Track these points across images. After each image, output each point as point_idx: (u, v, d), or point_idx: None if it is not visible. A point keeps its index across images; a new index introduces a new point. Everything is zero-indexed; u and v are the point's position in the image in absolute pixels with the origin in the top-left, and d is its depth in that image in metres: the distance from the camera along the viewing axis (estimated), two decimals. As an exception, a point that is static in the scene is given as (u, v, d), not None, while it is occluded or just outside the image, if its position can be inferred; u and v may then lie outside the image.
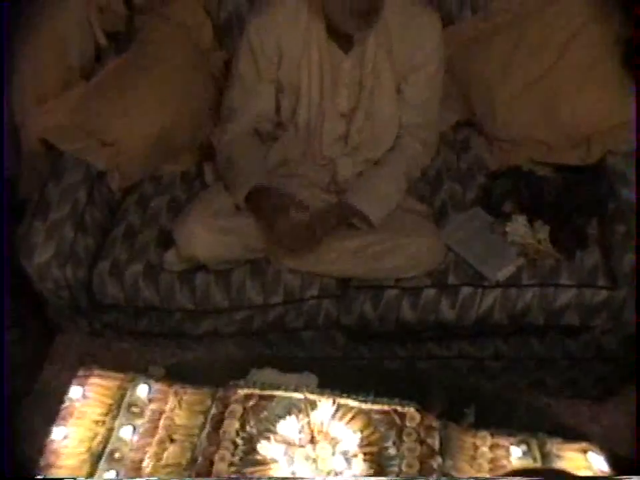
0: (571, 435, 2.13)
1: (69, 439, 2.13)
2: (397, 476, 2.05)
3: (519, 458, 2.08)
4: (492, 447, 2.10)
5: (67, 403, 2.20)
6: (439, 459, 2.08)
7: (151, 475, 2.05)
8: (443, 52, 3.08)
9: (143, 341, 2.96)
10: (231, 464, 2.06)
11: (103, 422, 2.17)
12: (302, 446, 2.08)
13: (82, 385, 2.24)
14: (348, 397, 2.17)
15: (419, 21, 2.97)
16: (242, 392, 2.20)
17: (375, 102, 3.01)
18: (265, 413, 2.15)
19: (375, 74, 2.97)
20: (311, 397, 2.17)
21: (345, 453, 2.07)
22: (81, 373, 2.28)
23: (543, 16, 3.28)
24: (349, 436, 2.09)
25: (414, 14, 2.98)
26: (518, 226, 2.90)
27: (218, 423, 2.14)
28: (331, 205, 2.97)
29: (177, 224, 2.94)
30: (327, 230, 2.84)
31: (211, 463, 2.05)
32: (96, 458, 2.09)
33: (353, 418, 2.13)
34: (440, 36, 3.02)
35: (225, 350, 3.03)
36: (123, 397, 2.22)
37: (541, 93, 3.18)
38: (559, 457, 2.08)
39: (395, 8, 2.92)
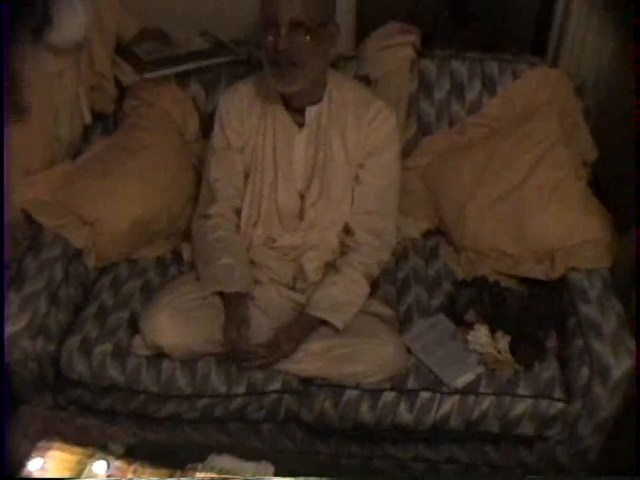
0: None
1: (24, 512, 2.12)
2: None
3: None
4: None
5: (24, 474, 2.16)
6: None
7: None
8: (399, 141, 3.13)
9: (105, 418, 2.93)
10: None
11: None
12: (256, 534, 2.08)
13: (42, 456, 2.20)
14: None
15: (374, 108, 3.02)
16: (200, 475, 2.16)
17: (328, 179, 3.03)
18: None
19: (328, 152, 3.02)
20: None
21: None
22: (41, 444, 2.24)
23: (513, 135, 3.36)
24: (302, 527, 2.09)
25: (369, 101, 3.04)
26: (479, 335, 2.91)
27: None
28: (295, 318, 2.96)
29: (143, 312, 2.96)
30: (292, 343, 2.87)
31: None
32: None
33: None
34: (395, 125, 3.06)
35: (185, 434, 3.00)
36: (81, 471, 2.17)
37: (508, 209, 3.23)
38: None
39: (349, 93, 3.03)
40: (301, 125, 3.00)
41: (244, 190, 3.13)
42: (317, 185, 3.04)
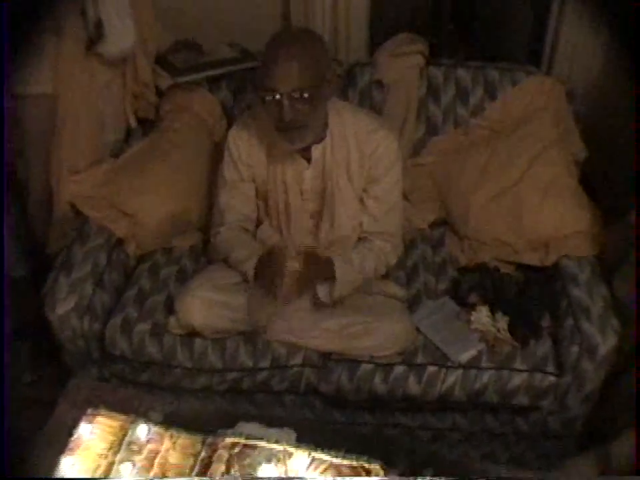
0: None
1: (75, 468, 2.13)
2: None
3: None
4: (445, 504, 2.11)
5: (75, 437, 2.20)
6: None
7: (145, 505, 2.07)
8: (400, 167, 3.04)
9: (144, 389, 2.97)
10: (215, 501, 2.07)
11: (106, 456, 2.16)
12: (279, 491, 2.08)
13: (90, 422, 2.24)
14: (322, 451, 2.15)
15: (376, 137, 2.94)
16: (229, 440, 2.17)
17: (336, 208, 3.00)
18: (248, 460, 2.12)
19: (334, 184, 2.97)
20: (289, 449, 2.15)
21: (316, 500, 2.07)
22: (89, 411, 2.28)
23: (512, 136, 3.38)
24: (321, 485, 2.09)
25: (370, 130, 2.95)
26: (481, 316, 2.94)
27: (206, 465, 2.13)
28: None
29: (178, 295, 2.98)
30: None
31: (198, 499, 2.07)
32: None
33: (325, 470, 2.11)
34: (396, 151, 2.99)
35: (216, 404, 3.01)
36: (124, 435, 2.21)
37: (508, 202, 3.24)
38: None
39: (350, 126, 2.94)
40: (308, 159, 2.95)
41: (258, 212, 3.14)
42: (327, 214, 3.03)
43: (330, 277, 2.93)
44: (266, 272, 2.89)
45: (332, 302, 2.96)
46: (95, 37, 3.17)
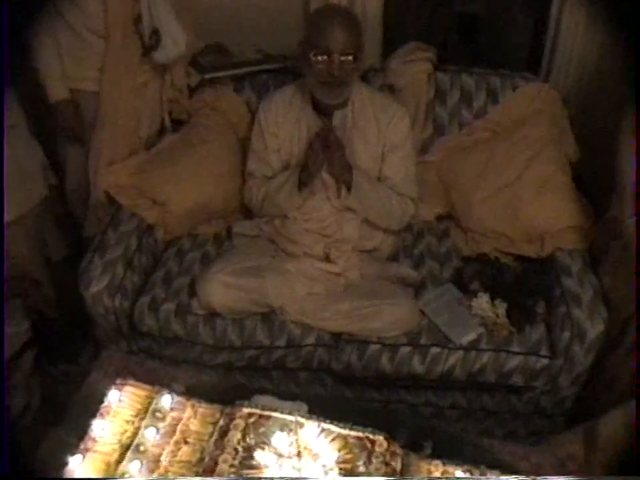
0: (507, 469, 2.14)
1: (104, 431, 2.13)
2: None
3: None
4: (443, 473, 2.10)
5: (105, 403, 2.21)
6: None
7: (166, 467, 2.05)
8: (412, 136, 3.20)
9: (169, 363, 2.95)
10: (231, 466, 2.03)
11: (133, 422, 2.17)
12: (290, 457, 2.05)
13: (119, 390, 2.24)
14: (331, 423, 2.14)
15: (391, 110, 3.10)
16: (246, 410, 2.17)
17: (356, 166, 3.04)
18: (263, 428, 2.13)
19: (352, 149, 3.04)
20: (301, 420, 2.15)
21: (324, 467, 2.05)
22: (118, 381, 2.27)
23: (512, 138, 3.37)
24: (329, 453, 2.07)
25: (386, 104, 3.13)
26: (481, 302, 2.93)
27: (224, 432, 2.12)
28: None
29: (199, 278, 3.00)
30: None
31: (215, 464, 2.03)
32: (124, 448, 2.09)
33: (333, 440, 2.11)
34: (408, 123, 3.15)
35: (235, 379, 3.02)
36: (150, 404, 2.22)
37: (507, 198, 3.23)
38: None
39: (368, 98, 3.09)
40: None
41: None
42: None
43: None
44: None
45: (351, 194, 3.02)
46: (152, 45, 3.20)
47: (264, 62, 3.66)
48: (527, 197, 3.20)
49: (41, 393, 3.23)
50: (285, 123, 3.11)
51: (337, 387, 3.07)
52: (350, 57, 2.84)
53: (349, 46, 2.83)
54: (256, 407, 2.21)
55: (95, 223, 3.35)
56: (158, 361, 2.99)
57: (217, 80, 3.59)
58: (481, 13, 4.83)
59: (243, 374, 3.05)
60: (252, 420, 2.16)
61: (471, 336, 2.88)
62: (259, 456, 2.07)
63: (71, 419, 2.28)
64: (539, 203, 3.17)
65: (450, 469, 2.10)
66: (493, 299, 2.94)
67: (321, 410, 2.25)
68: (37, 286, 3.26)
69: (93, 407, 2.22)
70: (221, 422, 2.18)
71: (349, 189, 3.00)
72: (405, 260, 3.24)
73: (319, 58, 2.84)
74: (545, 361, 2.84)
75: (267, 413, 2.19)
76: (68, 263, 3.58)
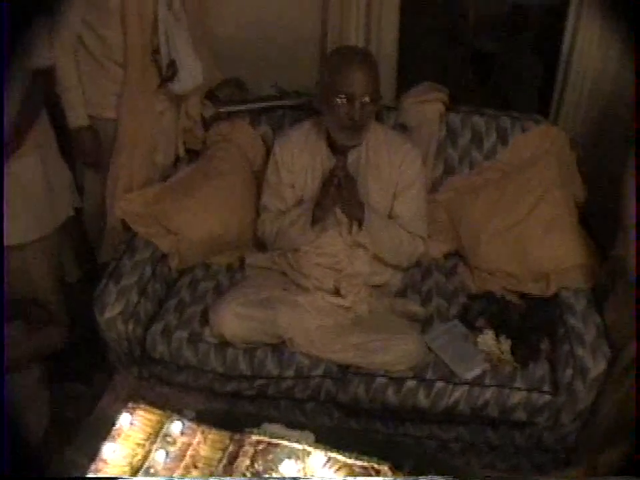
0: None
1: (115, 453, 2.16)
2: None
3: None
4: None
5: (117, 426, 2.23)
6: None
7: (176, 491, 2.09)
8: (424, 176, 3.25)
9: (179, 389, 2.99)
10: (240, 491, 2.09)
11: (143, 445, 2.19)
12: (296, 485, 2.10)
13: (130, 414, 2.28)
14: (337, 452, 2.17)
15: (403, 151, 3.14)
16: (255, 438, 2.20)
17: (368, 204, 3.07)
18: (271, 455, 2.15)
19: (365, 187, 3.08)
20: (308, 448, 2.17)
21: (330, 495, 2.09)
22: (130, 405, 2.31)
23: (521, 178, 3.39)
24: (335, 482, 2.11)
25: (399, 145, 3.16)
26: (487, 338, 2.96)
27: (233, 458, 2.15)
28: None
29: (212, 308, 3.02)
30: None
31: (224, 489, 2.08)
32: (135, 471, 2.11)
33: (339, 469, 2.13)
34: (420, 164, 3.19)
35: (244, 408, 3.04)
36: (161, 428, 2.24)
37: (514, 237, 3.26)
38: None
39: (384, 138, 3.13)
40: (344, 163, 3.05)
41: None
42: None
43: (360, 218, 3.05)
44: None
45: (362, 230, 3.06)
46: (169, 75, 3.26)
47: (280, 98, 3.70)
48: (534, 236, 3.22)
49: (50, 410, 3.25)
50: (299, 159, 3.15)
51: (343, 418, 3.07)
52: (369, 100, 2.90)
53: (370, 90, 2.90)
54: (265, 434, 2.23)
55: (110, 249, 3.38)
56: (168, 387, 3.01)
57: (233, 113, 3.64)
58: (493, 53, 4.92)
59: (251, 402, 3.06)
60: (261, 447, 2.18)
61: (476, 371, 2.89)
62: (267, 483, 2.08)
63: (82, 440, 2.30)
64: (546, 243, 3.19)
65: (453, 500, 2.12)
66: (498, 335, 2.97)
67: (327, 440, 2.26)
68: (46, 307, 3.31)
69: (104, 429, 2.25)
70: (230, 448, 2.20)
71: (360, 225, 3.04)
72: (413, 296, 3.25)
73: (339, 101, 2.90)
74: (548, 397, 2.84)
75: (275, 440, 2.21)
76: (80, 286, 3.63)
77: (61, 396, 3.34)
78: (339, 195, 2.96)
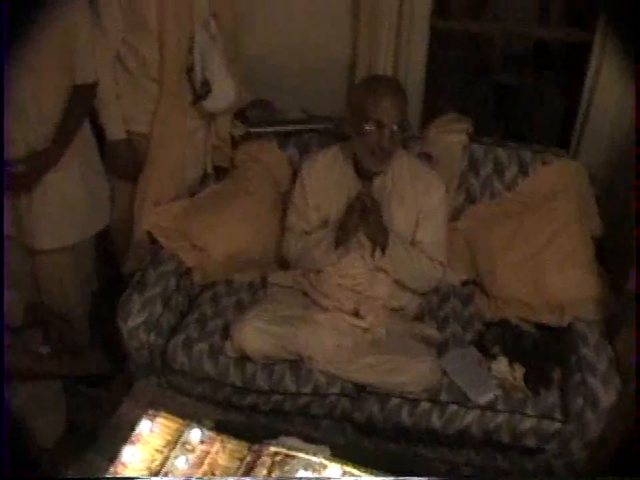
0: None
1: (134, 458, 2.20)
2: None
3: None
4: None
5: (137, 432, 2.27)
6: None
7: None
8: (447, 205, 3.30)
9: (198, 400, 3.02)
10: (256, 500, 2.12)
11: (162, 451, 2.22)
12: (313, 496, 2.12)
13: (150, 420, 2.31)
14: (352, 466, 2.19)
15: (427, 179, 3.20)
16: (272, 449, 2.22)
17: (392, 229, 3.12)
18: (288, 467, 2.17)
19: (389, 213, 3.12)
20: (324, 462, 2.20)
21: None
22: (150, 412, 2.35)
23: (540, 211, 3.43)
24: (349, 496, 2.12)
25: (423, 173, 3.23)
26: (500, 365, 2.99)
27: (250, 468, 2.18)
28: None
29: (234, 323, 3.05)
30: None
31: (241, 498, 2.11)
32: (153, 475, 2.15)
33: None
34: (444, 192, 3.24)
35: (260, 421, 3.06)
36: (180, 436, 2.27)
37: (531, 268, 3.28)
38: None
39: (407, 166, 3.18)
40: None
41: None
42: None
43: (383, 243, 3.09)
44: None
45: (384, 255, 3.10)
46: (202, 94, 3.32)
47: (308, 121, 3.77)
48: (550, 268, 3.25)
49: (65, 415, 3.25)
50: (326, 183, 3.20)
51: (357, 436, 3.09)
52: (398, 128, 2.96)
53: (399, 118, 2.96)
54: (282, 446, 2.26)
55: (135, 260, 3.42)
56: (187, 397, 3.00)
57: (262, 134, 3.71)
58: (517, 86, 4.96)
59: (267, 417, 3.08)
60: (278, 458, 2.21)
61: (489, 396, 2.92)
62: (283, 493, 2.12)
63: (101, 443, 2.34)
64: (562, 275, 3.22)
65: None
66: (511, 362, 3.00)
67: (342, 454, 2.28)
68: (68, 320, 3.33)
69: (124, 433, 2.29)
70: (248, 458, 2.23)
71: (383, 250, 3.09)
72: (430, 321, 3.29)
73: (369, 128, 2.96)
74: (558, 425, 2.86)
75: (292, 452, 2.23)
76: (100, 295, 3.68)
77: (79, 400, 3.35)
78: (363, 219, 3.01)
